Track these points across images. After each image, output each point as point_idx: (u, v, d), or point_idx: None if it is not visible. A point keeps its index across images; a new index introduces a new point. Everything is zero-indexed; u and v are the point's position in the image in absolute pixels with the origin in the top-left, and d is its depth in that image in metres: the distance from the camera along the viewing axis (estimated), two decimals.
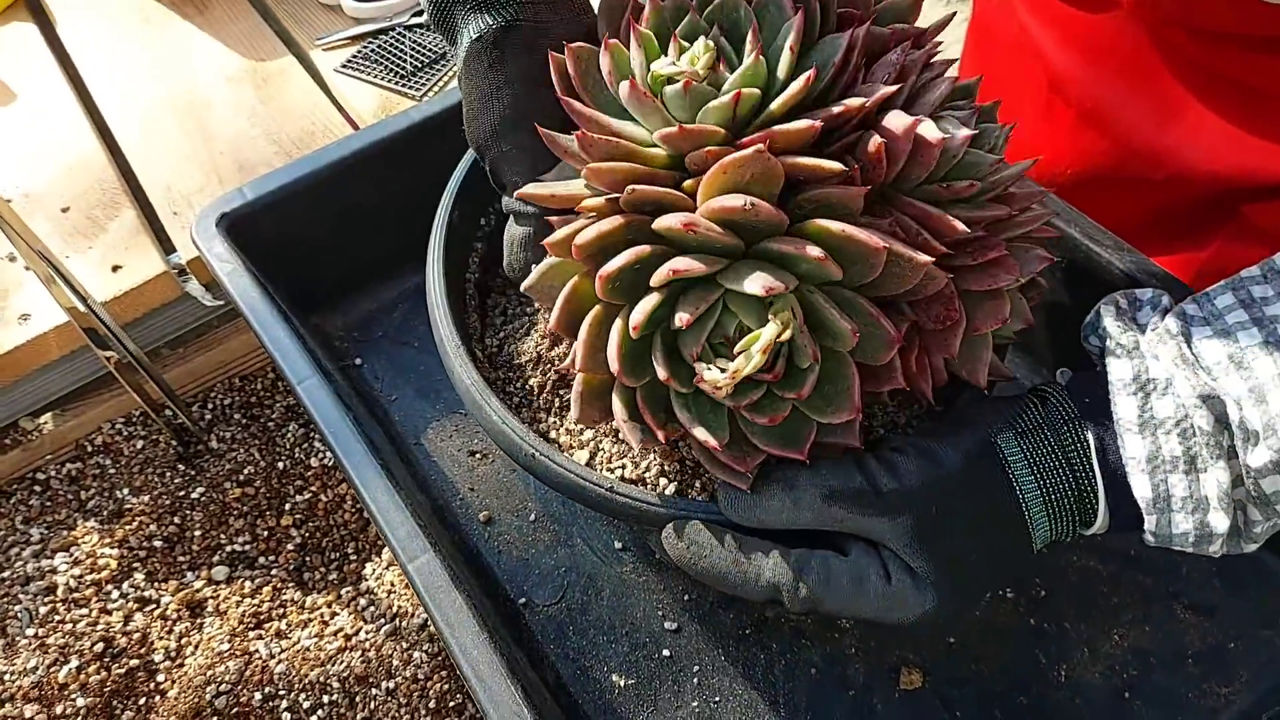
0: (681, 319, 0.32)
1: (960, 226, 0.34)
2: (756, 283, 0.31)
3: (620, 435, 0.44)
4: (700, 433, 0.35)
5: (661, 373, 0.34)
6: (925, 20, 0.38)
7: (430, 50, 0.88)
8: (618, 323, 0.34)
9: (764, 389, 0.34)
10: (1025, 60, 0.62)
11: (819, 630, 0.52)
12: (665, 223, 0.33)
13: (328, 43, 0.90)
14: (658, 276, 0.33)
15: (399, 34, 0.90)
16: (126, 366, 0.69)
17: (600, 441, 0.46)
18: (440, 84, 0.86)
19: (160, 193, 0.78)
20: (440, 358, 0.52)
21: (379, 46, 0.89)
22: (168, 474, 0.73)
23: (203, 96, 0.85)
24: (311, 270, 0.75)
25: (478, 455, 0.70)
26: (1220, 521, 0.36)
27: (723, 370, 0.33)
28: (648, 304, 0.33)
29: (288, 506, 0.72)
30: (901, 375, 0.36)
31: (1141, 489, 0.36)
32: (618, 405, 0.37)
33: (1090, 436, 0.38)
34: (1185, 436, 0.36)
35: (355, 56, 0.88)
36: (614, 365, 0.34)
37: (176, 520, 0.70)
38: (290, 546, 0.70)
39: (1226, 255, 0.56)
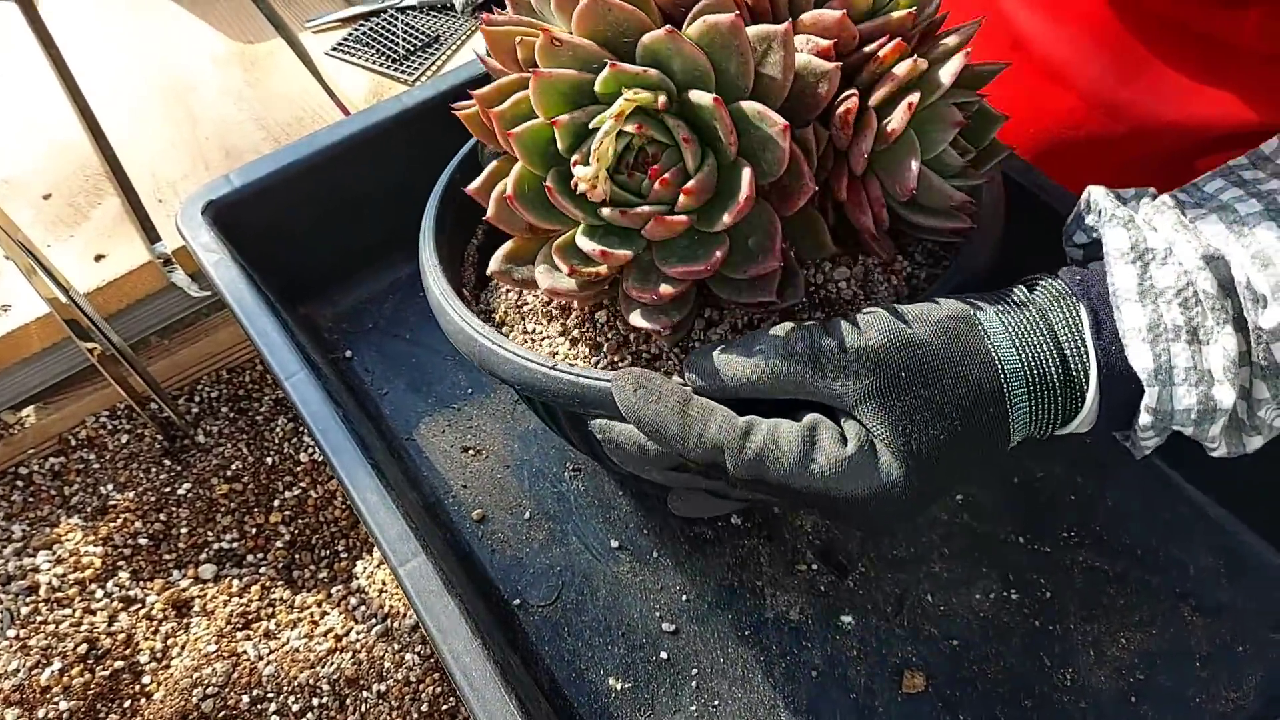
0: (556, 123, 0.32)
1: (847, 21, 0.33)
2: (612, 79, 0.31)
3: (567, 330, 0.42)
4: (599, 246, 0.33)
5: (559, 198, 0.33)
6: None
7: (423, 34, 0.86)
8: (516, 166, 0.34)
9: (660, 204, 0.33)
10: (988, 21, 0.63)
11: (819, 630, 0.51)
12: (531, 43, 0.33)
13: (318, 25, 0.88)
14: (532, 91, 0.33)
15: (391, 16, 0.88)
16: (110, 359, 0.67)
17: (557, 347, 0.44)
18: (433, 68, 0.84)
19: (145, 179, 0.76)
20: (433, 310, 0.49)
21: (371, 29, 0.87)
22: (153, 469, 0.71)
23: (188, 80, 0.83)
24: (300, 259, 0.73)
25: (471, 451, 0.68)
26: (1225, 395, 0.34)
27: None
28: (529, 124, 0.33)
29: (277, 503, 0.70)
30: (822, 201, 0.34)
31: (1142, 359, 0.34)
32: (538, 260, 0.36)
33: (1083, 310, 0.36)
34: (1187, 306, 0.34)
35: (346, 39, 0.86)
36: (510, 191, 0.34)
37: (162, 517, 0.69)
38: (279, 544, 0.69)
39: None
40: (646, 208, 0.34)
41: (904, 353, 0.35)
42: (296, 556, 0.69)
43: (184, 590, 0.66)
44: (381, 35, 0.86)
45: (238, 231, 0.69)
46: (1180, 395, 0.35)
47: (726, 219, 0.33)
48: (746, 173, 0.33)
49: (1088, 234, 0.38)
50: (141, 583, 0.66)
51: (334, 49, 0.86)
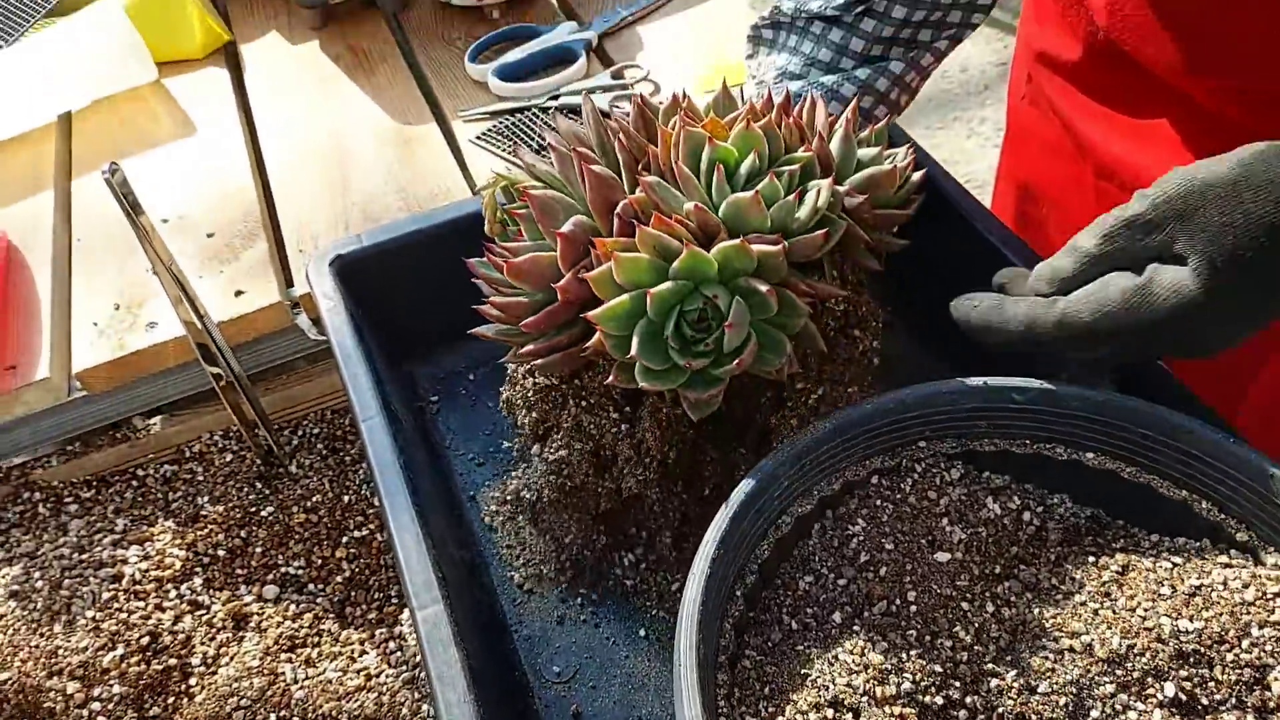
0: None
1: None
2: None
3: None
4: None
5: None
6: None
7: None
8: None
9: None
10: (1067, 156, 0.67)
11: None
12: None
13: (469, 115, 0.97)
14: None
15: (533, 114, 0.96)
16: (228, 385, 0.74)
17: None
18: None
19: (293, 231, 0.85)
20: None
21: (513, 124, 0.95)
22: (245, 489, 0.77)
23: (350, 150, 0.93)
24: (410, 319, 0.80)
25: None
26: None
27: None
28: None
29: (344, 539, 0.75)
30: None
31: None
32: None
33: None
34: None
35: (490, 130, 0.94)
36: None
37: (243, 534, 0.74)
38: (339, 578, 0.73)
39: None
40: None
41: (1202, 191, 0.38)
42: (353, 594, 0.72)
43: (246, 605, 0.70)
44: (522, 130, 0.94)
45: (359, 286, 0.76)
46: None
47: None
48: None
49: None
50: (211, 591, 0.71)
51: (478, 137, 0.94)
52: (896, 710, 0.43)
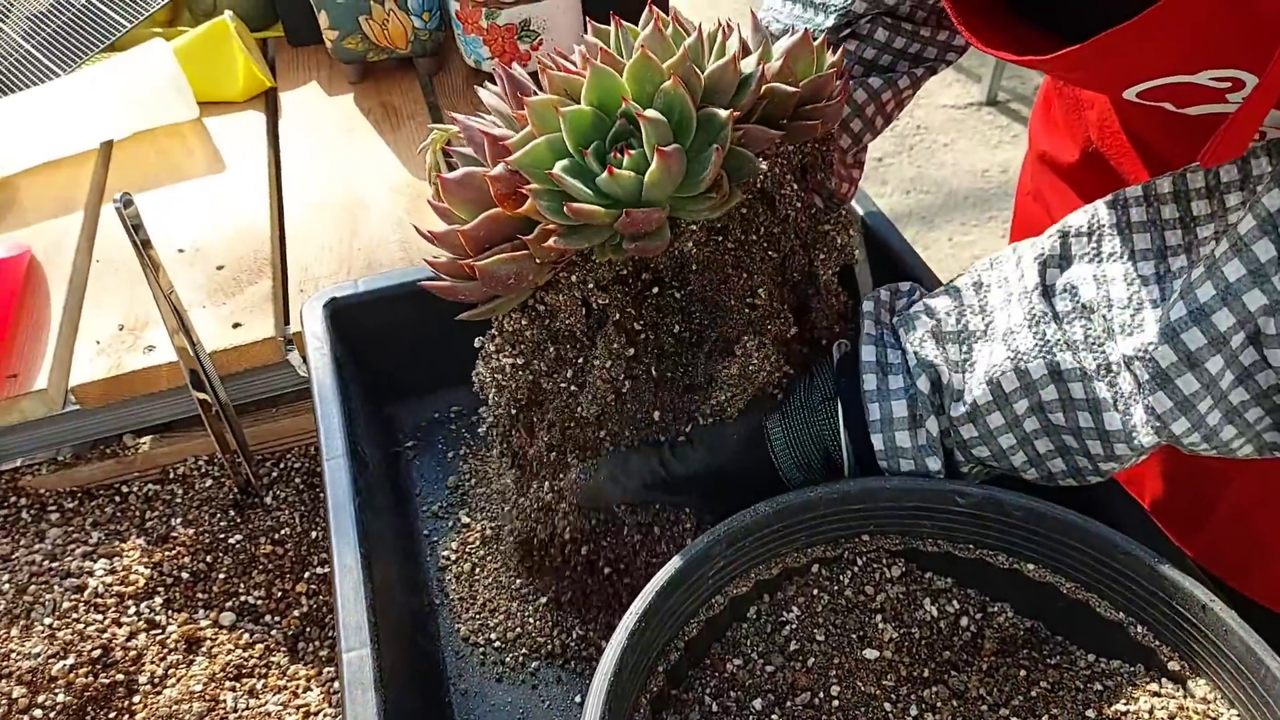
0: None
1: None
2: None
3: None
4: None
5: None
6: None
7: None
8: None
9: None
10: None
11: None
12: None
13: None
14: None
15: None
16: (215, 413, 0.77)
17: None
18: None
19: (298, 271, 0.88)
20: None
21: None
22: (218, 515, 0.79)
23: (363, 199, 0.97)
24: (398, 365, 0.82)
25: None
26: (934, 462, 0.52)
27: None
28: None
29: (307, 574, 0.76)
30: None
31: (877, 444, 0.52)
32: None
33: (840, 410, 0.53)
34: (911, 401, 0.51)
35: None
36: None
37: (209, 559, 0.76)
38: (296, 613, 0.74)
39: None
40: None
41: (715, 473, 0.55)
42: (307, 629, 0.73)
43: (201, 629, 0.71)
44: None
45: (350, 329, 0.78)
46: (904, 464, 0.53)
47: None
48: None
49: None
50: (170, 611, 0.72)
51: None
52: None
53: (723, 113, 0.49)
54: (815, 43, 0.55)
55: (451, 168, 0.58)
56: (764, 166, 0.52)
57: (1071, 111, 0.70)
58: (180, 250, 0.91)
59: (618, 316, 0.55)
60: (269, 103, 1.15)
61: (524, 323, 0.56)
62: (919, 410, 0.50)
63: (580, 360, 0.57)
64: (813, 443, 0.54)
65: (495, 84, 0.58)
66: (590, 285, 0.53)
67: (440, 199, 0.56)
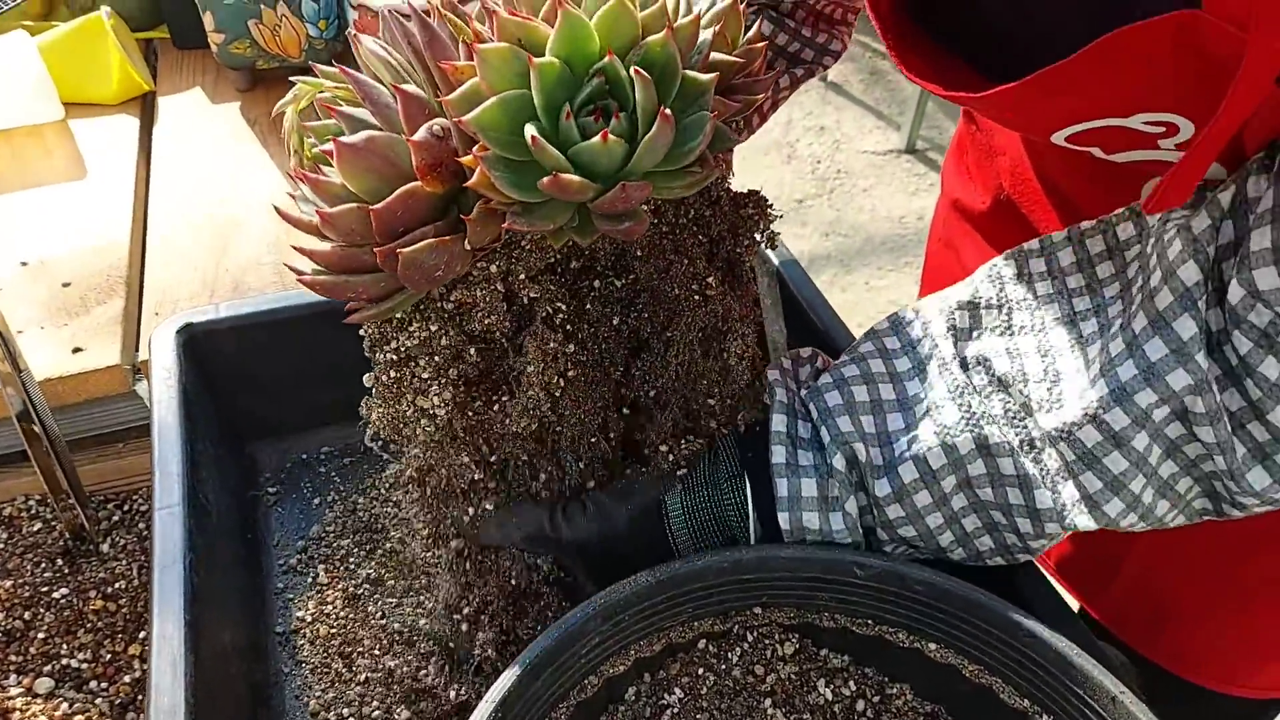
0: None
1: None
2: None
3: None
4: None
5: None
6: None
7: None
8: None
9: None
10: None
11: None
12: None
13: None
14: None
15: None
16: (45, 449, 0.68)
17: None
18: None
19: (154, 293, 0.80)
20: None
21: None
22: (43, 564, 0.70)
23: (239, 218, 0.89)
24: (263, 401, 0.74)
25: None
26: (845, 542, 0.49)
27: None
28: None
29: (142, 634, 0.67)
30: None
31: (784, 523, 0.48)
32: None
33: (748, 486, 0.48)
34: (822, 479, 0.47)
35: None
36: None
37: (27, 616, 0.67)
38: (128, 679, 0.65)
39: None
40: None
41: (605, 542, 0.50)
42: (139, 697, 0.64)
43: (10, 699, 0.62)
44: None
45: (210, 359, 0.70)
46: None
47: None
48: None
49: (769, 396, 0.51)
50: None
51: None
52: None
53: (705, 76, 0.42)
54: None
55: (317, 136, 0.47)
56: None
57: (984, 159, 0.68)
58: (24, 263, 0.82)
59: (547, 311, 0.47)
60: (145, 107, 1.06)
61: (433, 328, 0.46)
62: (833, 491, 0.47)
63: (503, 367, 0.48)
64: (715, 522, 0.49)
65: (380, 29, 0.46)
66: (521, 276, 0.45)
67: (313, 169, 0.45)
